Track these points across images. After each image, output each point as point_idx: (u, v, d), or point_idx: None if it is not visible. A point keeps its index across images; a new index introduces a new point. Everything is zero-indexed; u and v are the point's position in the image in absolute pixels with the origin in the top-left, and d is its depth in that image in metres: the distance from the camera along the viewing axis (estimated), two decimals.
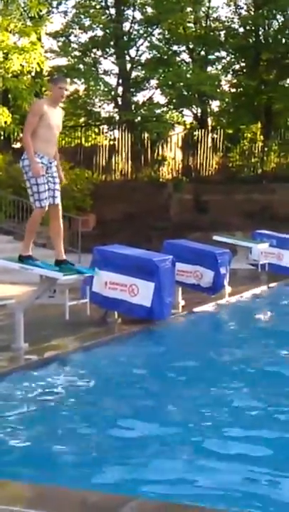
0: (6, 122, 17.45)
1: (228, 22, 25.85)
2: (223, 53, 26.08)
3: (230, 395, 5.90)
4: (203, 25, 25.91)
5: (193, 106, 26.28)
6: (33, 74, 18.42)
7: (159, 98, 26.57)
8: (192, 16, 25.52)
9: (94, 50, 25.84)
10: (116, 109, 25.95)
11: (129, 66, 25.62)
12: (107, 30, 25.01)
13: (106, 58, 26.09)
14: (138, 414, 5.36)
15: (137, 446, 4.68)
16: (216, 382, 6.31)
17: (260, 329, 9.40)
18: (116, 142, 24.74)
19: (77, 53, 25.56)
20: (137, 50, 25.57)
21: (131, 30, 25.45)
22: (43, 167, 7.22)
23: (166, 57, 25.44)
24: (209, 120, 26.97)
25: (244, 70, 26.14)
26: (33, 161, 7.14)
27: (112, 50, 25.65)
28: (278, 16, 24.74)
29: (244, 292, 11.73)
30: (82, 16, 25.15)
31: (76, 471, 4.24)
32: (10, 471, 4.20)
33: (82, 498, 3.46)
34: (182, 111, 27.30)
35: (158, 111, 25.95)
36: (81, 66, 24.96)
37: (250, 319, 9.85)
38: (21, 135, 10.79)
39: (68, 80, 8.35)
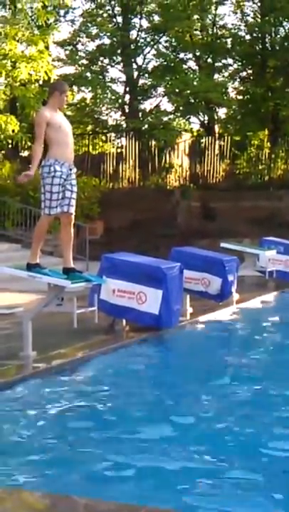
0: (13, 131, 17.52)
1: (234, 29, 25.91)
2: (230, 60, 26.18)
3: (239, 402, 5.90)
4: (210, 32, 25.99)
5: (200, 113, 26.34)
6: (40, 82, 18.50)
7: (166, 105, 26.74)
8: (199, 24, 25.60)
9: (101, 59, 25.94)
10: (123, 117, 26.02)
11: (136, 74, 25.71)
12: (114, 39, 25.10)
13: (113, 66, 26.20)
14: (148, 422, 5.36)
15: (147, 455, 4.67)
16: (226, 390, 6.31)
17: (268, 337, 9.37)
18: (123, 150, 24.81)
19: (84, 61, 25.66)
20: (144, 58, 25.71)
21: (138, 38, 25.55)
22: (62, 175, 7.25)
23: (173, 64, 25.51)
24: (216, 127, 27.01)
25: (251, 77, 26.19)
26: (30, 171, 7.24)
27: (119, 58, 25.74)
28: (285, 23, 24.78)
29: (252, 299, 11.71)
30: (90, 25, 25.27)
31: (86, 480, 4.23)
32: (19, 479, 4.20)
33: (92, 507, 3.45)
34: (189, 118, 27.37)
35: (165, 118, 26.02)
36: (88, 74, 25.07)
37: (258, 327, 9.82)
38: (29, 144, 10.83)
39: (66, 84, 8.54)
